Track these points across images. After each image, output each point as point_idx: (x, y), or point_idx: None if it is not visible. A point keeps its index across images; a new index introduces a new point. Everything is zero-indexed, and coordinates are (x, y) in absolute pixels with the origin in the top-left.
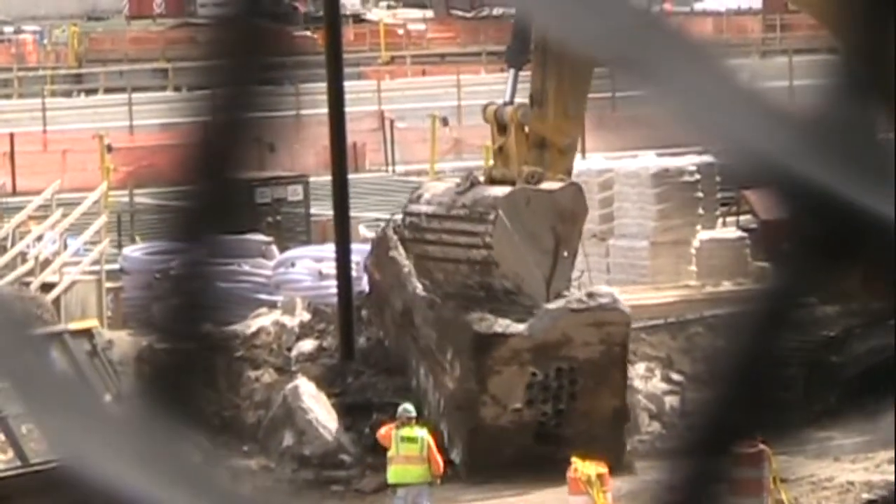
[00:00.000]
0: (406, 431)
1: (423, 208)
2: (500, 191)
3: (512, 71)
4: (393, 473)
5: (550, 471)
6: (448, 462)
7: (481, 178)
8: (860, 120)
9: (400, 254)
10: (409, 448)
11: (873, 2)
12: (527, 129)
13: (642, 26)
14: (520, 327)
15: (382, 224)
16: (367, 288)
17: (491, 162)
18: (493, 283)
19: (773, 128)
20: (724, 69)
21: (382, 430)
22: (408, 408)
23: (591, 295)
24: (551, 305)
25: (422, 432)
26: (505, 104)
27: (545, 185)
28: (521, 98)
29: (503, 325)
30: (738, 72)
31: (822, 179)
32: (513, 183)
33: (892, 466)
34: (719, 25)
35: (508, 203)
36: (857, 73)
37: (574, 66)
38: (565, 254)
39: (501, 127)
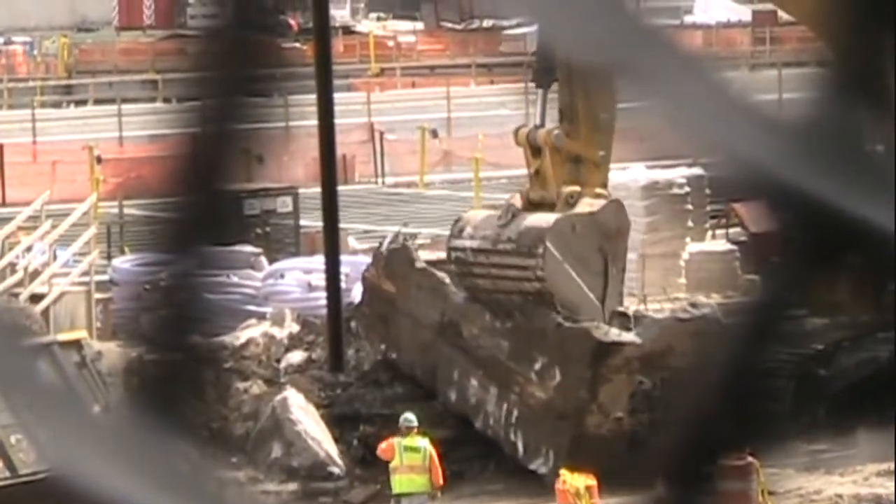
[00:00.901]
0: (408, 441)
1: (468, 243)
2: (544, 219)
3: (541, 92)
4: (397, 483)
5: (636, 478)
6: (529, 472)
7: (519, 204)
8: (852, 128)
9: (428, 264)
10: (412, 457)
11: (866, 10)
12: (565, 148)
13: (634, 34)
14: (631, 336)
15: (386, 235)
16: (358, 299)
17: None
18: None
19: (764, 136)
20: (716, 77)
21: (383, 445)
22: (409, 417)
23: (694, 305)
24: (659, 315)
25: (424, 442)
26: (536, 127)
27: (586, 207)
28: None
29: (615, 333)
30: (729, 80)
31: (814, 188)
32: (552, 205)
33: (881, 480)
34: (709, 38)
35: (555, 234)
36: (850, 81)
37: (600, 77)
38: (614, 271)
39: (535, 149)
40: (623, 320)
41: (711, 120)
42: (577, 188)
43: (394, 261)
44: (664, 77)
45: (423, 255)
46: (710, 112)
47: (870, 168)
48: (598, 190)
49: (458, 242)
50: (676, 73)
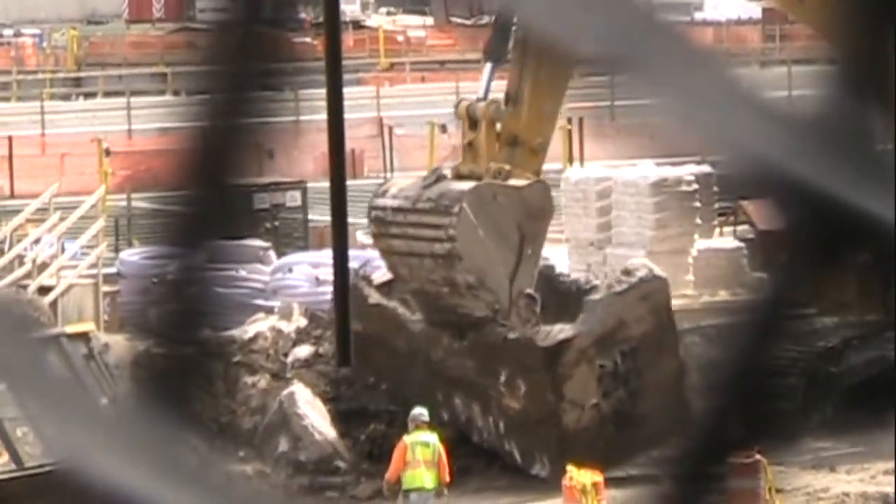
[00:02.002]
0: (420, 436)
1: (389, 202)
2: (467, 185)
3: (489, 66)
4: (408, 478)
5: (634, 453)
6: (533, 477)
7: (448, 174)
8: (859, 125)
9: (382, 297)
10: (423, 452)
11: (872, 10)
12: (498, 126)
13: (644, 28)
14: (577, 326)
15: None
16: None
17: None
18: (456, 278)
19: (774, 132)
20: (726, 73)
21: (398, 447)
22: (421, 412)
23: (628, 272)
24: (596, 296)
25: (433, 437)
26: (478, 100)
27: (513, 182)
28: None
29: (559, 329)
30: (739, 76)
31: (822, 182)
32: (480, 179)
33: (888, 478)
34: (719, 35)
35: (474, 197)
36: (856, 78)
37: (552, 66)
38: (529, 251)
39: (473, 122)
40: (530, 302)
41: (721, 115)
42: (507, 166)
43: (353, 302)
44: (674, 72)
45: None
46: (720, 107)
47: (878, 165)
48: (529, 175)
49: (378, 202)
50: (686, 69)
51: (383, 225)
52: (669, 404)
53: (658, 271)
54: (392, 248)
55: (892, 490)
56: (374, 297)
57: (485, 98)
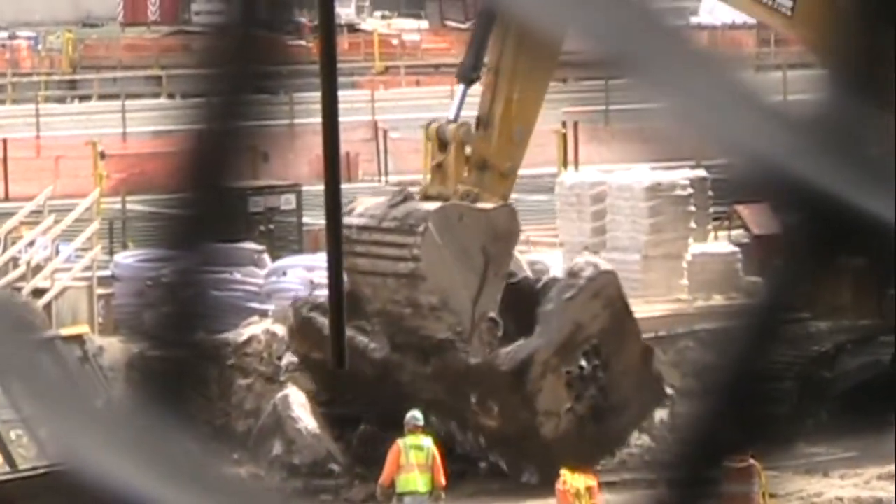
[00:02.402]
0: (414, 439)
1: (355, 220)
2: (434, 205)
3: (461, 87)
4: (403, 482)
5: (616, 443)
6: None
7: (416, 195)
8: (859, 126)
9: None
10: (417, 456)
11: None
12: (468, 149)
13: (645, 27)
14: (535, 341)
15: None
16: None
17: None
18: (419, 299)
19: (773, 132)
20: (726, 73)
21: (392, 451)
22: (416, 415)
23: (574, 274)
24: (547, 306)
25: (427, 441)
26: (448, 122)
27: (480, 205)
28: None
29: (518, 348)
30: (739, 76)
31: (822, 183)
32: (447, 201)
33: (881, 483)
34: (714, 40)
35: (440, 217)
36: (856, 79)
37: (524, 91)
38: (494, 274)
39: (442, 144)
40: (493, 326)
41: (722, 116)
42: (476, 189)
43: (307, 330)
44: (675, 73)
45: None
46: (721, 108)
47: (878, 167)
48: (495, 199)
49: (345, 220)
50: (687, 69)
51: (348, 243)
52: (642, 386)
53: (603, 265)
54: (356, 267)
55: (886, 495)
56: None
57: (455, 120)
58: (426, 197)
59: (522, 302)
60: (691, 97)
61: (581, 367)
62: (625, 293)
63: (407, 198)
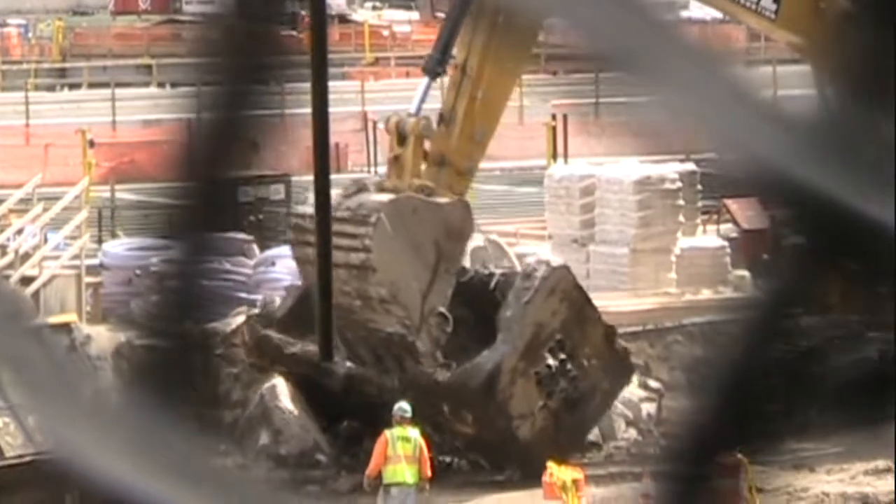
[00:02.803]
0: (401, 431)
1: (308, 210)
2: (388, 197)
3: (426, 80)
4: (391, 473)
5: (592, 426)
6: (515, 464)
7: (372, 188)
8: (857, 127)
9: (294, 341)
10: (404, 448)
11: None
12: (427, 144)
13: (643, 26)
14: (499, 349)
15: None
16: None
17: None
18: (369, 290)
19: (770, 131)
20: (726, 71)
21: (379, 442)
22: (403, 406)
23: (527, 276)
24: (507, 312)
25: (415, 433)
26: (409, 116)
27: (435, 199)
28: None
29: (483, 361)
30: (738, 75)
31: (820, 185)
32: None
33: (868, 478)
34: (704, 34)
35: (393, 208)
36: (854, 81)
37: (489, 91)
38: (445, 270)
39: (402, 138)
40: (442, 322)
41: (720, 115)
42: (431, 184)
43: (264, 347)
44: (674, 70)
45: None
46: (719, 107)
47: (874, 170)
48: (450, 195)
49: (298, 209)
50: (685, 68)
51: (301, 233)
52: (609, 365)
53: (555, 260)
54: (308, 257)
55: (872, 491)
56: (291, 348)
57: (416, 113)
58: (382, 189)
59: (478, 298)
60: (689, 96)
61: (548, 365)
62: (578, 282)
63: (361, 189)
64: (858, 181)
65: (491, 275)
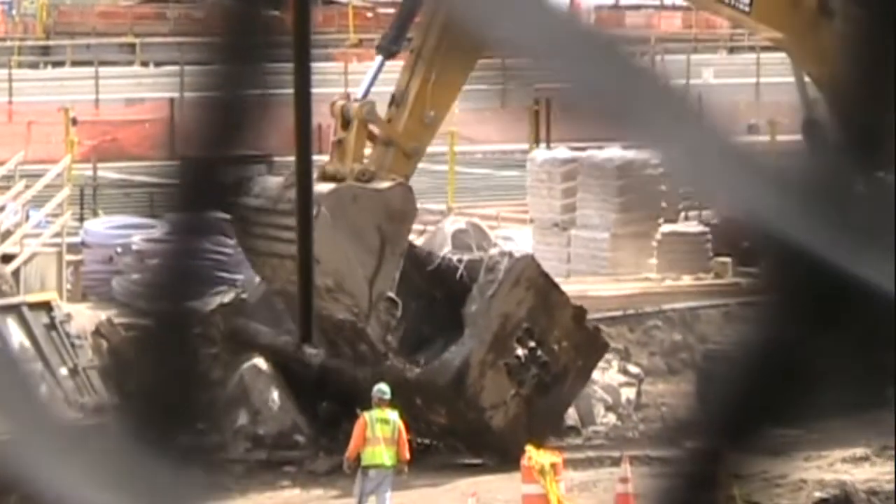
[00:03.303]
0: (380, 413)
1: (252, 202)
2: (327, 187)
3: (378, 59)
4: (370, 455)
5: (566, 406)
6: (495, 447)
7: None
8: (849, 180)
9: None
10: (383, 429)
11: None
12: (373, 127)
13: (632, 78)
14: (467, 343)
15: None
16: None
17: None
18: (315, 281)
19: (761, 187)
20: (714, 125)
21: (358, 424)
22: (382, 388)
23: (490, 269)
24: (472, 307)
25: (393, 415)
26: (354, 100)
27: (375, 184)
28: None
29: (453, 354)
30: (728, 130)
31: (811, 241)
32: (344, 180)
33: (846, 466)
34: (688, 21)
35: (333, 199)
36: (851, 136)
37: (442, 76)
38: (390, 254)
39: (346, 122)
40: (390, 306)
41: (709, 167)
42: (372, 168)
43: (238, 337)
44: (665, 126)
45: None
46: (708, 159)
47: (871, 218)
48: (394, 176)
49: (242, 201)
50: (677, 123)
51: (246, 225)
52: (580, 345)
53: (517, 251)
54: (255, 249)
55: (850, 479)
56: (264, 338)
57: (365, 96)
58: (324, 175)
59: (446, 285)
60: (682, 153)
61: (517, 357)
62: (543, 269)
63: None
64: (849, 239)
65: (459, 261)
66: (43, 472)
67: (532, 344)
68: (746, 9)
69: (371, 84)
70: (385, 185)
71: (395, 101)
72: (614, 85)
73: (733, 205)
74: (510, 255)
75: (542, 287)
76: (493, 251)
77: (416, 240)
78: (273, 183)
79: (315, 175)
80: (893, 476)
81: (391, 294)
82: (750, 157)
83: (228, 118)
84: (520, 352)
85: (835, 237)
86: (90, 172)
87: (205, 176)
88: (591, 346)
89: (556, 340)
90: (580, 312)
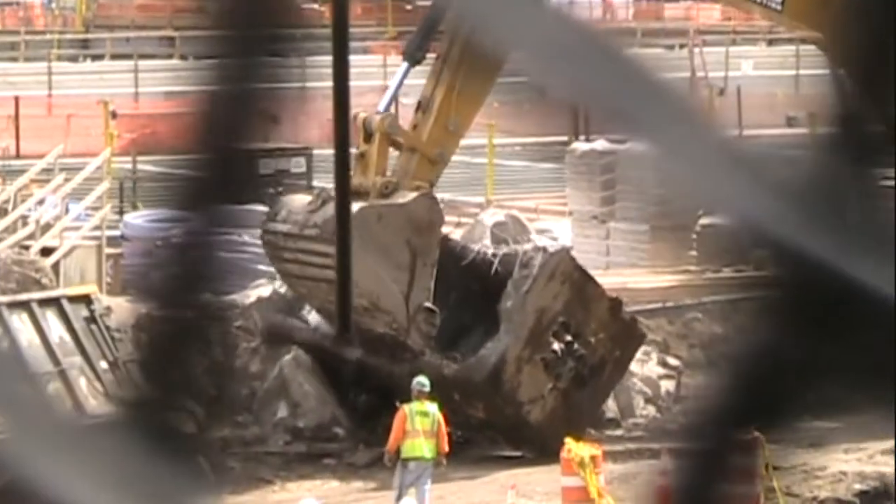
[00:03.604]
0: (420, 406)
1: (280, 227)
2: (352, 208)
3: (403, 68)
4: (409, 447)
5: (605, 397)
6: (534, 440)
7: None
8: (848, 189)
9: (298, 320)
10: (423, 422)
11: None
12: (398, 138)
13: (635, 82)
14: (502, 339)
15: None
16: None
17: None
18: (352, 301)
19: (758, 190)
20: (715, 131)
21: (398, 416)
22: (422, 381)
23: (525, 265)
24: (507, 303)
25: (433, 407)
26: (376, 113)
27: (398, 199)
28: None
29: (489, 350)
30: (729, 136)
31: (812, 247)
32: (367, 193)
33: (885, 457)
34: (727, 13)
35: (358, 222)
36: (852, 141)
37: (468, 83)
38: (422, 265)
39: (368, 135)
40: (429, 316)
41: (709, 172)
42: (393, 179)
43: (275, 333)
44: (665, 132)
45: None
46: (708, 164)
47: (872, 224)
48: (419, 182)
49: (270, 226)
50: (679, 128)
51: (276, 249)
52: (617, 336)
53: (551, 245)
54: (288, 271)
55: (889, 470)
56: (302, 333)
57: (387, 109)
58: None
59: (482, 277)
60: (681, 157)
61: (554, 351)
62: (578, 262)
63: (326, 201)
64: (848, 243)
65: (493, 255)
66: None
67: (568, 337)
68: (779, 7)
69: (398, 88)
70: (409, 197)
71: (422, 106)
72: (609, 84)
73: (728, 207)
74: (544, 250)
75: (577, 281)
76: (528, 246)
77: (455, 232)
78: (299, 206)
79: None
80: (894, 475)
81: (428, 304)
82: (746, 158)
83: (265, 110)
84: (556, 346)
85: (833, 239)
86: (129, 166)
87: (238, 168)
88: (628, 337)
89: (593, 333)
90: (616, 304)
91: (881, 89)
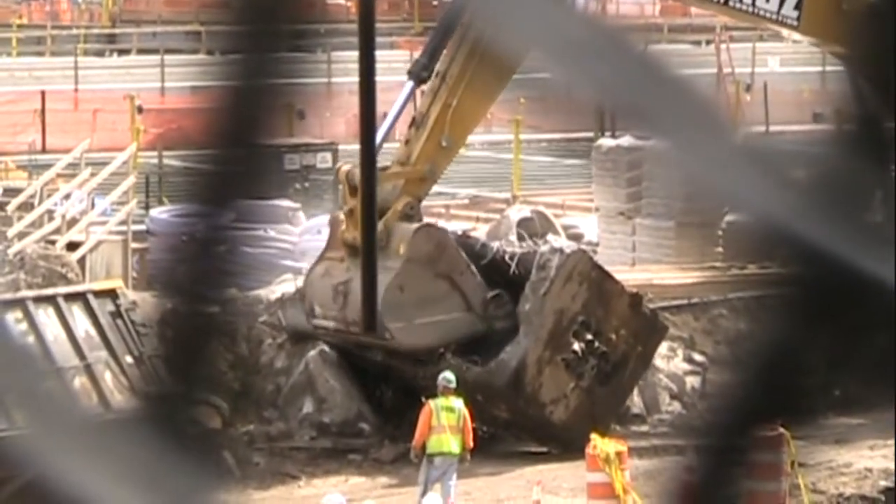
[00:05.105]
0: (445, 401)
1: (324, 323)
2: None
3: (409, 84)
4: (435, 443)
5: (629, 391)
6: (559, 436)
7: (337, 253)
8: (862, 184)
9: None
10: (449, 417)
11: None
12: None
13: (650, 78)
14: (522, 342)
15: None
16: None
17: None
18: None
19: (774, 188)
20: (729, 128)
21: (424, 411)
22: (448, 377)
23: (542, 267)
24: (525, 306)
25: (458, 403)
26: (354, 167)
27: (395, 245)
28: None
29: (509, 354)
30: (741, 132)
31: (823, 240)
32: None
33: None
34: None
35: (389, 306)
36: (861, 140)
37: (463, 101)
38: (460, 275)
39: (353, 189)
40: (497, 302)
41: (723, 167)
42: (381, 228)
43: (300, 332)
44: (681, 126)
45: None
46: (723, 159)
47: (878, 227)
48: (407, 199)
49: (316, 322)
50: (692, 123)
51: (332, 337)
52: (639, 331)
53: (567, 246)
54: (352, 353)
55: None
56: (327, 335)
57: (380, 144)
58: (345, 244)
59: (502, 275)
60: (696, 153)
61: (574, 351)
62: (595, 261)
63: (346, 294)
64: (863, 241)
65: (512, 256)
66: (67, 465)
67: (589, 336)
68: (795, 23)
69: (403, 107)
70: (404, 242)
71: (416, 122)
72: (634, 84)
73: (748, 205)
74: (561, 251)
75: (595, 280)
76: (544, 248)
77: (480, 228)
78: (323, 295)
79: (338, 254)
80: (894, 474)
81: (490, 293)
82: (767, 155)
83: (289, 106)
84: (577, 346)
85: (854, 236)
86: (155, 160)
87: (264, 163)
88: (650, 331)
89: (614, 329)
90: (636, 299)
91: None
